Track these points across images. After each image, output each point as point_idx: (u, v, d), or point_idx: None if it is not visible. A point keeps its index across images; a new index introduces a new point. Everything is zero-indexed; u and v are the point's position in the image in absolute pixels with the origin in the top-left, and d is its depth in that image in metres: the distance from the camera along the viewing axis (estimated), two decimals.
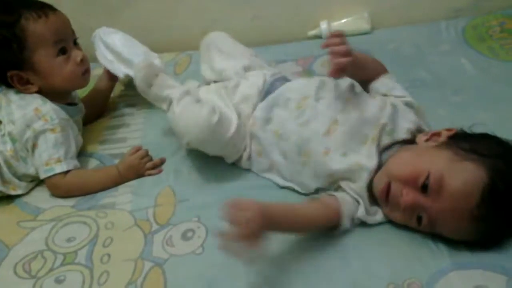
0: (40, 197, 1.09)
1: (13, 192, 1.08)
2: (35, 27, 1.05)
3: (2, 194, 1.08)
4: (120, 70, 1.23)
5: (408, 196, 0.84)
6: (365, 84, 1.06)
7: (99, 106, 1.31)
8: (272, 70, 1.18)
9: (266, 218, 0.77)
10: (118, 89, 1.37)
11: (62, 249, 0.96)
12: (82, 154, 1.18)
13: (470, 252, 0.84)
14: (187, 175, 1.09)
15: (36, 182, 1.12)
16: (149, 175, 1.10)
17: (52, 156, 1.07)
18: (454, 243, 0.85)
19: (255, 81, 1.11)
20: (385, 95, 1.03)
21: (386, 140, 0.94)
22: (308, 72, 1.40)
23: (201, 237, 0.93)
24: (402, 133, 0.95)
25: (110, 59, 1.24)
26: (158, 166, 1.12)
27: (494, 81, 1.26)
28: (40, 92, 1.10)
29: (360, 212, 0.90)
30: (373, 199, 0.92)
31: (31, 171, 1.09)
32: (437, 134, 0.93)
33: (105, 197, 1.06)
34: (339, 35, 0.96)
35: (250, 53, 1.23)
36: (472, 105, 1.18)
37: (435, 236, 0.86)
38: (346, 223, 0.89)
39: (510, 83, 1.25)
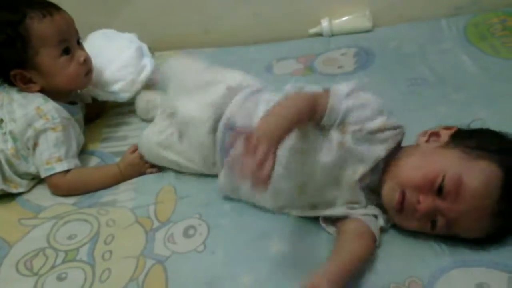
0: (41, 195, 1.09)
1: (14, 190, 1.08)
2: (40, 26, 1.05)
3: (4, 192, 1.08)
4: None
5: (425, 202, 0.81)
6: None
7: (100, 104, 1.31)
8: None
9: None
10: None
11: (63, 246, 0.96)
12: (83, 152, 1.18)
13: (472, 250, 0.84)
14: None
15: (37, 180, 1.12)
16: (150, 173, 1.10)
17: (53, 155, 1.07)
18: (456, 241, 0.84)
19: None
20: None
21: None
22: (309, 69, 1.40)
23: (203, 235, 0.93)
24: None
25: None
26: None
27: (495, 79, 1.26)
28: (42, 91, 1.10)
29: (381, 222, 0.88)
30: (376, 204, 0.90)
31: (32, 169, 1.09)
32: (436, 133, 0.90)
33: (106, 195, 1.07)
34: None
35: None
36: (473, 103, 1.17)
37: (437, 234, 0.85)
38: (379, 240, 0.87)
39: (511, 81, 1.24)
